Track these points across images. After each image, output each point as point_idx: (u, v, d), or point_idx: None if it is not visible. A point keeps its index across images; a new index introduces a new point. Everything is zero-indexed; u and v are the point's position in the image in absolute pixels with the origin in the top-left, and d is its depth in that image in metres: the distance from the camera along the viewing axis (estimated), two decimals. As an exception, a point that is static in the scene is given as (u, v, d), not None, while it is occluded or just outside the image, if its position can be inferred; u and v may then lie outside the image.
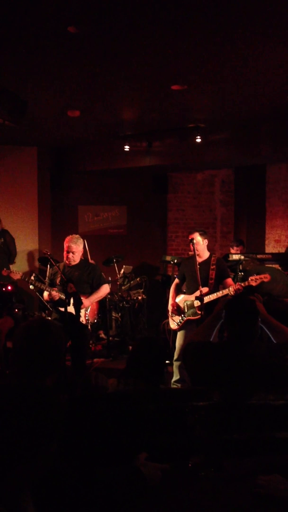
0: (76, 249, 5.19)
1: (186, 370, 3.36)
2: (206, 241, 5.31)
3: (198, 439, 2.00)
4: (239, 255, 6.32)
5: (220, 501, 1.82)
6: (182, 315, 5.30)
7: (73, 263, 5.22)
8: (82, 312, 5.17)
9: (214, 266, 5.23)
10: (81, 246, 5.29)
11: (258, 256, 6.27)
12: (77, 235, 5.31)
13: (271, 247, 8.58)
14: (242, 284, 4.98)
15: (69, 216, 9.29)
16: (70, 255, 5.19)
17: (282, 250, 8.04)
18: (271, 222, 8.70)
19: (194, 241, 5.14)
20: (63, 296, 5.03)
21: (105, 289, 5.39)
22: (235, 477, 1.95)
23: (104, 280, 5.46)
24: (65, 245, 5.22)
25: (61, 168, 8.99)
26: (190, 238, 5.21)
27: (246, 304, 2.85)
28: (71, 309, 4.97)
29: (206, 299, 4.96)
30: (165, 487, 1.86)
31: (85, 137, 8.23)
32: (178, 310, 5.34)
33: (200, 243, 5.24)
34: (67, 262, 5.22)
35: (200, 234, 5.26)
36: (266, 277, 4.91)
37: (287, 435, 2.26)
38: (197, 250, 5.18)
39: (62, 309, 5.06)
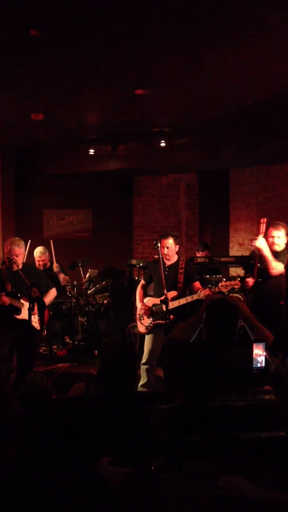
0: (19, 251, 4.91)
1: (163, 364, 3.36)
2: (177, 246, 5.37)
3: (160, 441, 2.01)
4: (204, 258, 6.38)
5: (182, 503, 1.83)
6: (152, 319, 5.31)
7: (16, 268, 4.87)
8: (34, 318, 5.02)
9: (182, 270, 5.26)
10: (23, 249, 5.07)
11: (222, 259, 6.33)
12: (18, 238, 5.05)
13: (235, 250, 8.70)
14: (212, 289, 5.02)
15: (33, 220, 9.19)
16: (14, 258, 4.85)
17: (246, 253, 8.14)
18: (234, 226, 8.82)
19: (159, 245, 5.14)
20: (14, 303, 4.89)
21: (53, 293, 5.27)
22: (197, 478, 1.97)
23: (51, 284, 5.32)
24: (7, 248, 4.88)
25: (26, 172, 8.88)
26: (155, 242, 5.18)
27: (227, 309, 2.85)
28: (24, 315, 4.86)
29: (176, 303, 5.00)
30: (127, 490, 1.86)
31: (50, 141, 8.17)
32: (150, 312, 5.34)
33: (172, 247, 5.28)
34: (10, 266, 4.92)
35: (174, 240, 5.30)
36: (236, 284, 4.96)
37: (248, 435, 2.29)
38: (168, 254, 5.24)
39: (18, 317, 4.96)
